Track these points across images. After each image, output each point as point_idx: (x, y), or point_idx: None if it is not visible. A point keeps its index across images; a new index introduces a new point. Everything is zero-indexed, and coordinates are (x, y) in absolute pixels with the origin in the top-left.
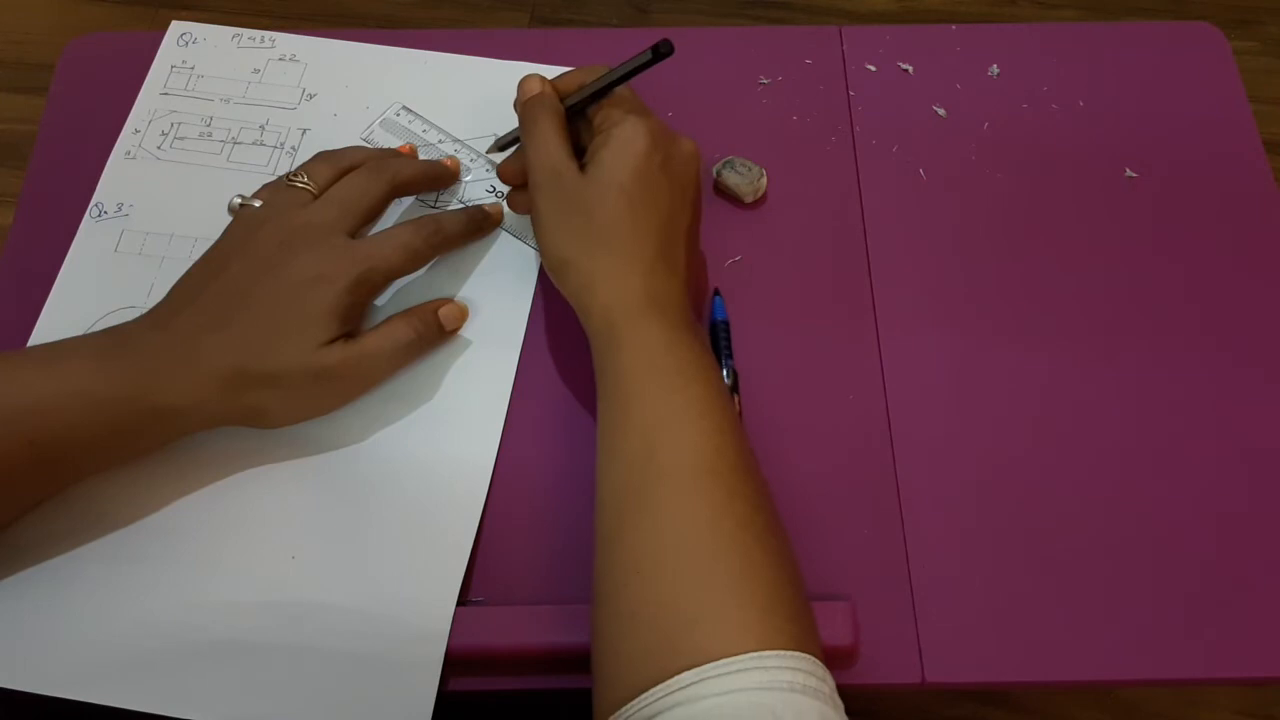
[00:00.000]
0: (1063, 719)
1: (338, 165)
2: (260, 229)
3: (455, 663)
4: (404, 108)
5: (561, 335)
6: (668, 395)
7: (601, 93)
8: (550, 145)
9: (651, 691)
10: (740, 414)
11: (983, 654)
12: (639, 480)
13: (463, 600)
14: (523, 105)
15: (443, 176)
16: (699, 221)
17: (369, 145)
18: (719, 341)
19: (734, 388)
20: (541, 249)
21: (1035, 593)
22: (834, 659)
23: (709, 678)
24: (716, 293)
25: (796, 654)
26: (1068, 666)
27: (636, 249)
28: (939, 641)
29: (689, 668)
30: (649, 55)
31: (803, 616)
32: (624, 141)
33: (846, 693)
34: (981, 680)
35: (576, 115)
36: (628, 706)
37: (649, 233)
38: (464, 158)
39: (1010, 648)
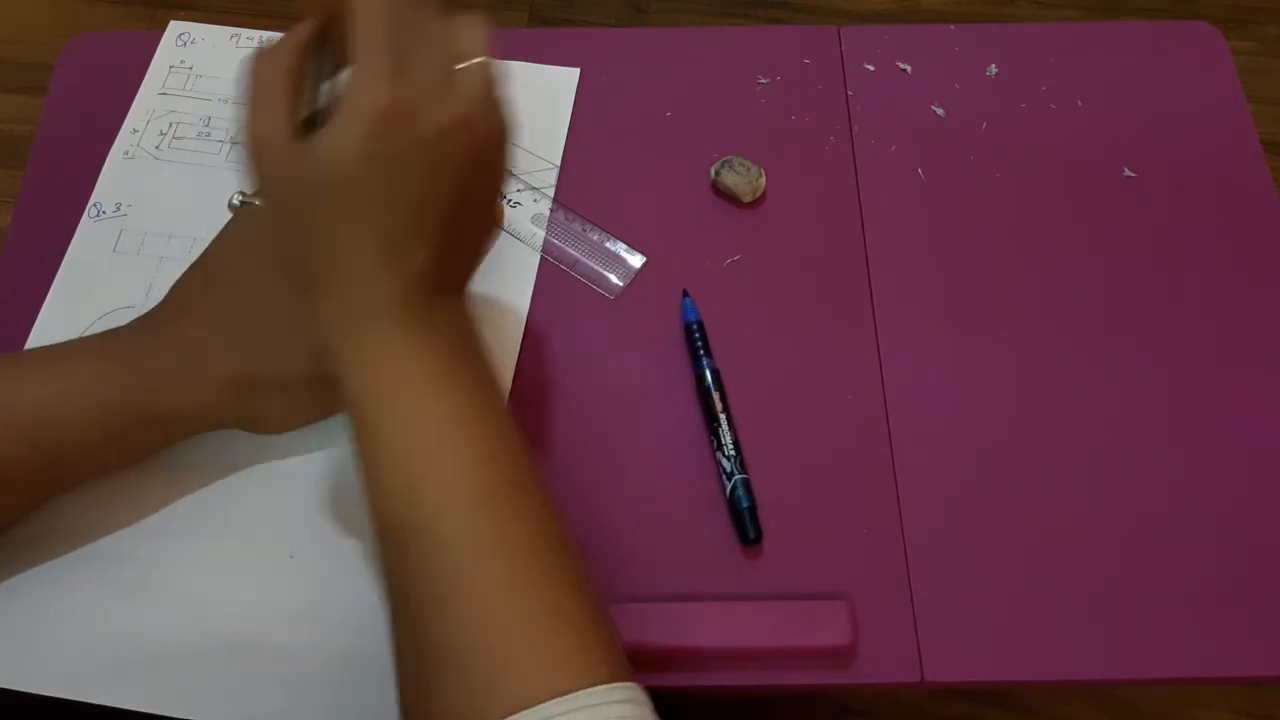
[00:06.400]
0: (1061, 718)
1: None
2: (264, 232)
3: None
4: None
5: (560, 336)
6: (420, 414)
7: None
8: (267, 137)
9: None
10: (727, 410)
11: (981, 653)
12: (415, 516)
13: None
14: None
15: None
16: (473, 198)
17: None
18: (694, 343)
19: (716, 385)
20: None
21: (1034, 592)
22: (833, 658)
23: None
24: (686, 294)
25: (621, 686)
26: (1066, 666)
27: (345, 250)
28: (938, 641)
29: (511, 712)
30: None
31: (612, 640)
32: (333, 133)
33: (845, 692)
34: (980, 679)
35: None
36: None
37: (365, 243)
38: None
39: (1009, 647)
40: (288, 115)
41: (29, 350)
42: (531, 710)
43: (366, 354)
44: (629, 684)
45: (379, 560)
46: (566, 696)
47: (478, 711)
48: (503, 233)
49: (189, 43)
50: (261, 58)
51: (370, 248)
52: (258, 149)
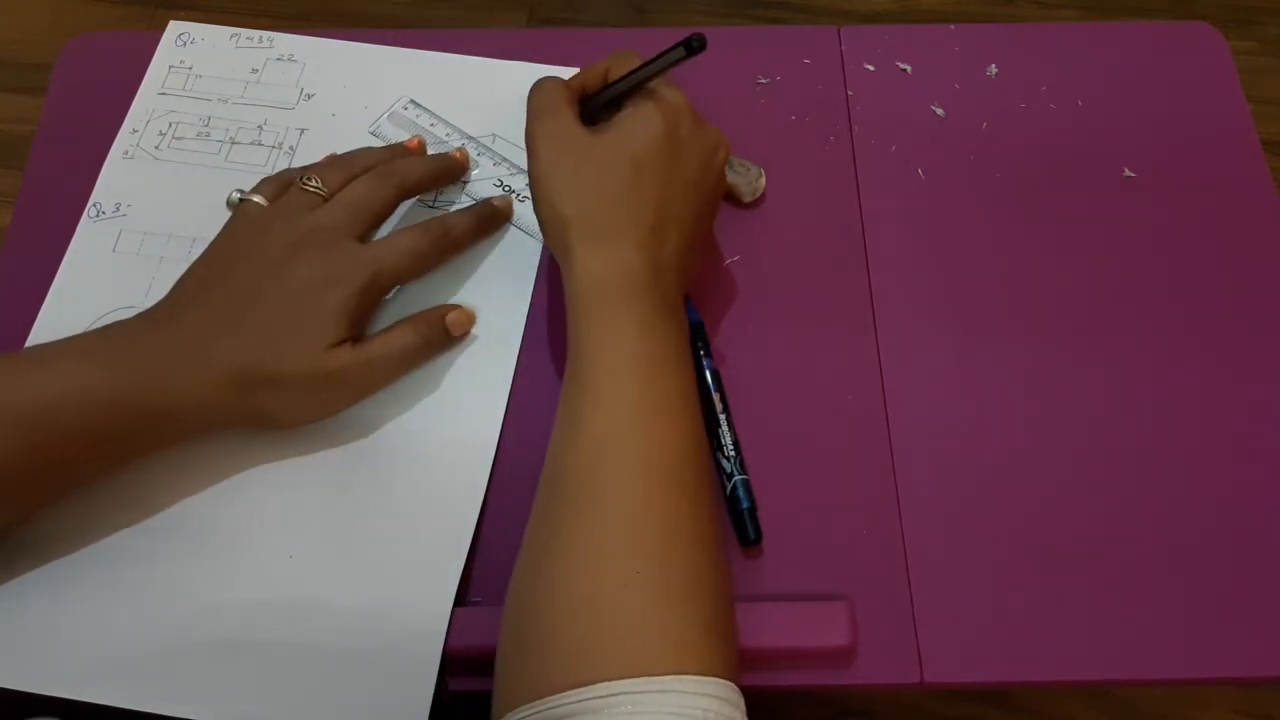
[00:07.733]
0: (1061, 718)
1: (349, 170)
2: (269, 231)
3: (454, 663)
4: (412, 101)
5: (560, 334)
6: (643, 385)
7: (633, 88)
8: (556, 97)
9: (576, 691)
10: (726, 411)
11: (981, 654)
12: (603, 469)
13: (462, 601)
14: (533, 84)
15: (451, 170)
16: (709, 213)
17: (377, 138)
18: (694, 343)
19: (716, 386)
20: (537, 199)
21: (1034, 592)
22: (832, 659)
23: (638, 692)
24: (686, 295)
25: (723, 682)
26: (1066, 666)
27: (632, 221)
28: (937, 641)
29: (620, 676)
30: (681, 51)
31: (734, 640)
32: (646, 113)
33: (845, 692)
34: (980, 680)
35: (612, 106)
36: (542, 701)
37: (648, 208)
38: (472, 151)
39: (1009, 647)
40: (575, 112)
41: (27, 349)
42: (636, 680)
43: (621, 318)
44: (729, 683)
45: (542, 505)
46: (668, 677)
47: (586, 667)
48: (512, 227)
49: (189, 43)
50: (543, 81)
51: (647, 220)
52: (555, 120)
